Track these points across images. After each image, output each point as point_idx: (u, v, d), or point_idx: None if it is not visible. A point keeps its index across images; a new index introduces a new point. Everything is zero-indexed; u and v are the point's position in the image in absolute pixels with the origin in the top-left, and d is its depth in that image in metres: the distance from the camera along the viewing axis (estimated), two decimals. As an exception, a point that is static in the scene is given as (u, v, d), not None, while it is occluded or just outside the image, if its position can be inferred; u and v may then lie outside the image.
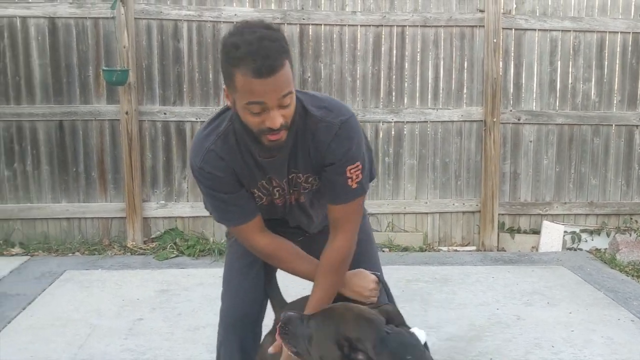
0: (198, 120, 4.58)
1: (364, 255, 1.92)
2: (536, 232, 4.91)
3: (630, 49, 4.83)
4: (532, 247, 4.85)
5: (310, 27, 4.62)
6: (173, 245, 4.53)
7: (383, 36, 4.68)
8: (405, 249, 4.72)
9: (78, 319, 3.30)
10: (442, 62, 4.74)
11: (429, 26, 4.69)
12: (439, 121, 4.78)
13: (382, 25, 4.66)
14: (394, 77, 4.72)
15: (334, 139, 1.66)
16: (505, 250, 4.82)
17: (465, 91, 4.78)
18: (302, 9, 4.59)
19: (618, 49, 4.84)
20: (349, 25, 4.64)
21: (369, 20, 4.63)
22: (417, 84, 4.74)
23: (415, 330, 1.54)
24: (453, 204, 4.87)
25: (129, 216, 4.56)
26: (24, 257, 4.33)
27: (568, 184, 4.93)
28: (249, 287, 1.98)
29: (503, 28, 4.71)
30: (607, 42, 4.81)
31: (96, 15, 4.39)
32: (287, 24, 4.57)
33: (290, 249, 1.82)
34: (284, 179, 1.75)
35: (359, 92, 4.72)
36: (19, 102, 4.46)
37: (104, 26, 4.42)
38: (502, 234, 4.89)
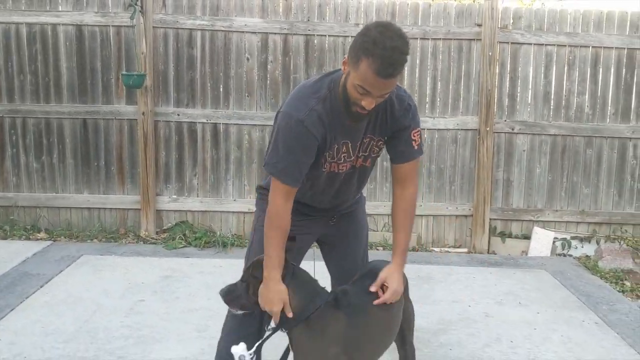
0: (209, 121, 4.95)
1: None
2: (527, 237, 5.13)
3: (625, 64, 5.00)
4: (522, 252, 5.07)
5: (316, 37, 4.94)
6: (182, 236, 4.91)
7: (384, 47, 4.95)
8: (399, 249, 4.98)
9: (87, 297, 3.70)
10: (439, 74, 5.00)
11: (428, 39, 4.95)
12: (435, 129, 5.04)
13: (383, 37, 4.93)
14: (393, 86, 4.99)
15: (406, 109, 2.08)
16: (495, 254, 5.05)
17: (461, 101, 5.03)
18: (308, 20, 4.91)
19: (613, 64, 5.01)
20: (351, 36, 4.92)
21: (371, 32, 4.91)
22: (416, 93, 5.00)
23: None
24: (447, 208, 5.12)
25: (143, 208, 4.96)
26: (48, 242, 4.77)
27: (560, 192, 5.13)
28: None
29: (500, 42, 4.94)
30: (601, 57, 4.99)
31: (119, 24, 4.81)
32: (294, 34, 4.90)
33: (285, 226, 2.04)
34: (357, 142, 2.08)
35: (359, 99, 5.00)
36: (48, 101, 4.91)
37: (125, 34, 4.83)
38: (493, 238, 5.13)
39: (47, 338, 3.15)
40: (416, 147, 2.13)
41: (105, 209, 5.05)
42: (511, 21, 4.96)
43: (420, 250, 5.07)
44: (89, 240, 4.88)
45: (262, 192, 2.30)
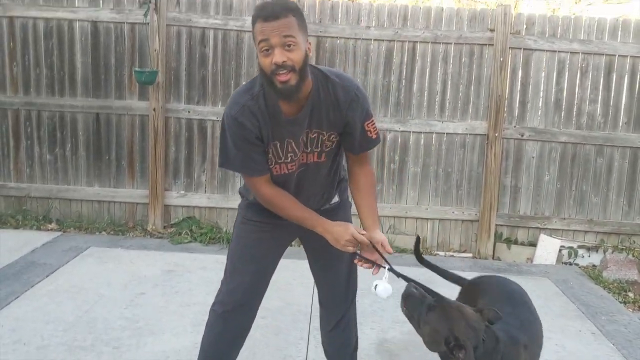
0: (219, 119, 5.00)
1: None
2: (533, 244, 5.09)
3: (639, 72, 4.93)
4: (527, 259, 5.04)
5: (327, 39, 4.97)
6: (188, 232, 4.98)
7: (395, 50, 4.97)
8: (403, 251, 5.00)
9: (90, 288, 3.79)
10: (450, 77, 4.99)
11: (440, 43, 4.95)
12: (443, 133, 5.04)
13: (394, 40, 4.95)
14: (403, 89, 5.01)
15: (353, 100, 2.06)
16: (500, 260, 5.03)
17: (470, 106, 5.01)
18: (320, 22, 4.94)
19: (627, 73, 4.95)
20: (362, 39, 4.95)
21: (382, 35, 4.93)
22: (425, 96, 5.01)
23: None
24: (453, 212, 5.11)
25: (151, 202, 5.05)
26: (58, 233, 4.88)
27: (568, 200, 5.09)
28: (258, 278, 2.29)
29: (512, 48, 4.91)
30: (615, 65, 4.93)
31: (133, 21, 4.89)
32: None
33: (289, 198, 2.12)
34: (300, 138, 2.05)
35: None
36: (62, 95, 5.02)
37: (139, 31, 4.91)
38: (499, 244, 5.10)
39: (47, 326, 3.24)
40: (374, 137, 2.16)
41: (114, 202, 5.14)
42: (524, 27, 4.93)
43: (425, 253, 5.06)
44: (97, 233, 4.98)
45: (242, 194, 2.37)
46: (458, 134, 5.03)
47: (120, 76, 4.99)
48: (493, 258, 5.05)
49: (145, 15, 4.64)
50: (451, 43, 4.95)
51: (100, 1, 4.91)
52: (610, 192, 5.06)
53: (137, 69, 4.74)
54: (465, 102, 5.02)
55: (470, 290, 2.57)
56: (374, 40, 4.97)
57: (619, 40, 4.91)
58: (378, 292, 2.06)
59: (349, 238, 2.07)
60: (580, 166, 5.04)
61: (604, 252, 4.98)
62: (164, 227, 5.10)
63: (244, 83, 4.87)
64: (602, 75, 4.95)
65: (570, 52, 4.93)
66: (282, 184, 2.15)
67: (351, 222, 2.38)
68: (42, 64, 4.98)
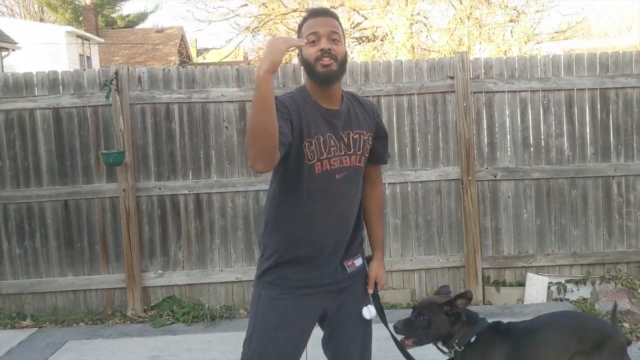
0: (191, 192, 4.94)
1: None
2: (521, 284, 5.04)
3: (599, 103, 5.04)
4: (518, 300, 4.98)
5: (292, 101, 4.98)
6: (170, 312, 4.80)
7: (360, 106, 5.01)
8: (393, 306, 4.89)
9: (71, 386, 3.58)
10: (417, 127, 5.03)
11: (403, 94, 5.01)
12: (418, 181, 5.03)
13: (358, 96, 4.99)
14: (372, 143, 5.01)
15: (378, 115, 2.29)
16: (491, 304, 4.95)
17: (441, 152, 5.04)
18: (284, 86, 4.97)
19: (587, 105, 5.06)
20: (327, 97, 4.98)
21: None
22: (396, 148, 5.02)
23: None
24: (438, 260, 5.05)
25: (129, 286, 4.88)
26: (33, 329, 4.66)
27: (550, 235, 5.08)
28: (297, 344, 2.20)
29: (473, 92, 5.00)
30: (575, 98, 5.04)
31: (95, 104, 4.85)
32: (270, 100, 4.94)
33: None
34: (341, 134, 2.10)
35: (340, 158, 5.02)
36: (28, 185, 4.89)
37: (102, 113, 4.87)
38: (487, 288, 5.04)
39: None
40: (387, 151, 2.36)
41: (90, 290, 4.95)
42: (483, 71, 5.03)
43: (415, 306, 4.95)
44: (75, 325, 4.76)
45: (258, 284, 2.22)
46: (432, 180, 5.03)
47: (86, 160, 4.91)
48: (484, 303, 4.97)
49: (107, 97, 4.61)
50: (414, 94, 5.02)
51: (61, 87, 4.87)
52: (589, 222, 5.08)
53: (104, 151, 4.67)
54: (435, 149, 5.05)
55: None
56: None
57: (574, 74, 5.04)
58: (363, 312, 2.28)
59: (283, 43, 1.84)
60: (557, 200, 5.06)
61: (592, 284, 4.95)
62: (144, 311, 4.91)
63: (213, 154, 4.85)
64: (564, 109, 5.05)
65: (531, 91, 5.03)
66: (323, 192, 2.11)
67: (370, 299, 2.35)
68: (4, 156, 4.87)
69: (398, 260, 5.04)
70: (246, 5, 19.61)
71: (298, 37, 2.11)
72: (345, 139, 2.12)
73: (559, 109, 5.05)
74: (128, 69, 4.88)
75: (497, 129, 5.05)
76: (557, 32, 17.34)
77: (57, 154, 4.89)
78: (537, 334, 2.56)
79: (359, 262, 2.29)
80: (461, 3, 14.97)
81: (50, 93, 4.86)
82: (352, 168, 2.15)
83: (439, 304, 2.49)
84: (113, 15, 32.18)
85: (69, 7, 29.06)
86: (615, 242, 5.08)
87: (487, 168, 5.03)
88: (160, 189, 4.93)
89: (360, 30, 18.64)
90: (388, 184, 5.02)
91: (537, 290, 4.95)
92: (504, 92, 5.03)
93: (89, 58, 23.09)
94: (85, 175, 4.92)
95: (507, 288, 5.02)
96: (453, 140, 5.02)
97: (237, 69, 5.03)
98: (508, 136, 5.05)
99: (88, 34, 23.44)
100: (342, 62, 2.05)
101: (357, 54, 19.00)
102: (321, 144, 2.07)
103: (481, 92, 5.02)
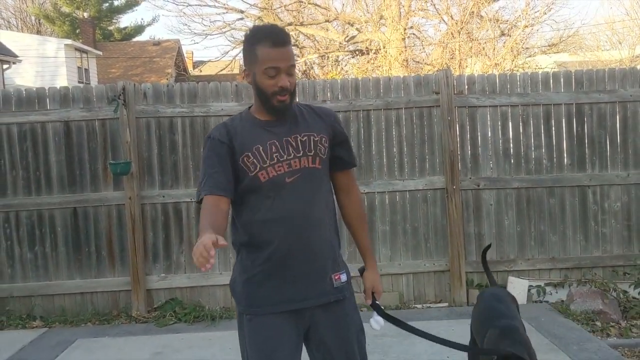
0: (192, 200, 5.25)
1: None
2: (503, 287, 5.35)
3: (575, 117, 5.39)
4: (500, 301, 5.28)
5: (288, 115, 5.31)
6: (172, 313, 5.09)
7: (351, 119, 5.34)
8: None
9: (82, 378, 3.87)
10: (404, 139, 5.37)
11: (391, 109, 5.35)
12: (405, 190, 5.36)
13: (349, 110, 5.33)
14: (363, 153, 5.35)
15: (336, 119, 2.29)
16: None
17: (427, 163, 5.38)
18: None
19: (564, 119, 5.41)
20: (320, 111, 5.32)
21: (338, 107, 5.29)
22: (384, 158, 5.36)
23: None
24: (424, 265, 5.37)
25: (134, 289, 5.17)
26: (43, 329, 4.94)
27: (530, 241, 5.41)
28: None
29: (457, 106, 5.34)
30: (552, 112, 5.39)
31: (103, 117, 5.18)
32: (267, 114, 5.28)
33: (215, 212, 2.02)
34: (287, 139, 2.11)
35: (332, 169, 5.34)
36: (39, 194, 5.20)
37: (110, 125, 5.19)
38: (472, 290, 5.35)
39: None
40: (353, 155, 2.34)
41: (97, 292, 5.25)
42: (466, 87, 5.38)
43: (403, 308, 5.27)
44: (82, 325, 5.05)
45: (239, 306, 2.21)
46: (419, 190, 5.36)
47: (94, 170, 5.22)
48: (468, 304, 5.28)
49: (115, 111, 4.94)
50: (401, 108, 5.36)
51: (71, 101, 5.19)
52: (567, 229, 5.40)
53: (111, 161, 4.99)
54: (421, 159, 5.38)
55: None
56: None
57: (552, 90, 5.39)
58: (372, 324, 2.27)
59: (199, 250, 1.78)
60: (536, 208, 5.39)
61: (569, 286, 5.27)
62: (148, 312, 5.21)
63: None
64: (542, 123, 5.39)
65: (511, 105, 5.38)
66: (279, 199, 2.09)
67: (359, 316, 2.28)
68: (17, 166, 5.19)
69: (387, 265, 5.34)
70: (242, 19, 20.05)
71: (248, 55, 2.10)
72: (293, 143, 2.13)
73: (537, 122, 5.39)
74: (134, 85, 5.22)
75: (479, 141, 5.39)
76: (549, 46, 17.81)
77: (67, 164, 5.21)
78: None
79: (344, 277, 2.21)
80: (452, 18, 15.39)
81: (61, 107, 5.19)
82: (306, 170, 2.13)
83: None
84: (110, 28, 32.57)
85: (66, 19, 29.44)
86: (591, 248, 5.41)
87: (470, 178, 5.36)
88: (164, 197, 5.25)
89: (354, 43, 19.07)
90: (377, 192, 5.35)
91: (517, 292, 5.25)
92: (486, 106, 5.38)
93: (87, 70, 23.43)
94: (93, 184, 5.23)
95: (490, 290, 5.33)
96: (438, 151, 5.36)
97: (236, 85, 5.37)
98: (490, 148, 5.39)
99: (86, 47, 23.79)
100: (294, 91, 2.12)
101: (350, 67, 19.43)
102: (261, 152, 2.10)
103: (464, 106, 5.37)
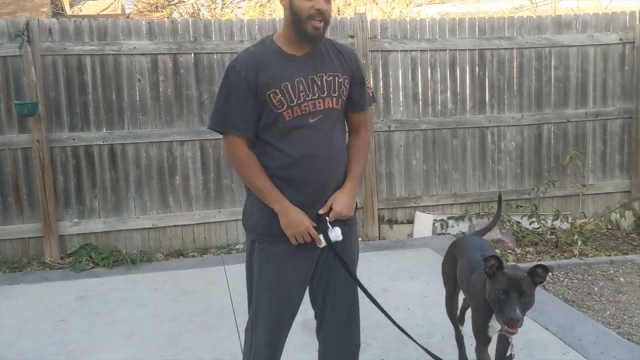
0: (105, 143, 5.08)
1: None
2: (411, 222, 5.75)
3: (477, 63, 5.76)
4: (408, 235, 5.68)
5: (205, 55, 5.23)
6: (89, 258, 4.98)
7: (268, 61, 5.35)
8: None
9: (7, 324, 3.74)
10: (320, 82, 5.47)
11: (307, 51, 5.41)
12: (322, 132, 5.50)
13: (266, 52, 5.33)
14: (280, 96, 5.40)
15: (355, 58, 2.24)
16: (385, 239, 5.62)
17: (342, 105, 5.54)
18: (195, 40, 5.20)
19: (467, 64, 5.76)
20: (238, 52, 5.26)
21: (255, 48, 5.29)
22: (301, 101, 5.44)
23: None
24: (339, 203, 5.60)
25: (46, 235, 4.98)
26: (-53, 280, 4.66)
27: (434, 179, 5.80)
28: (298, 290, 2.24)
29: (371, 51, 5.51)
30: (457, 58, 5.72)
31: (4, 54, 4.81)
32: (183, 53, 5.17)
33: (260, 167, 2.11)
34: (313, 77, 2.08)
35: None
36: None
37: (12, 64, 4.84)
38: (383, 226, 5.69)
39: (-27, 367, 3.21)
40: (371, 95, 2.32)
41: (5, 240, 5.00)
42: (379, 32, 5.56)
43: (320, 244, 5.50)
44: (-9, 273, 4.82)
45: (251, 235, 2.25)
46: (335, 132, 5.53)
47: (-5, 111, 4.88)
48: (379, 238, 5.63)
49: (20, 47, 4.61)
50: (318, 51, 5.44)
51: (-35, 37, 4.78)
52: (467, 167, 5.85)
53: (16, 101, 4.68)
54: (337, 102, 5.53)
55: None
56: (248, 53, 5.31)
57: (457, 36, 5.71)
58: (330, 235, 2.15)
59: (302, 230, 2.07)
60: (440, 148, 5.77)
61: (470, 219, 5.75)
62: (62, 258, 5.05)
63: (126, 106, 4.98)
64: (448, 68, 5.72)
65: (420, 51, 5.64)
66: (301, 137, 2.09)
67: (358, 248, 2.37)
68: None
69: (304, 204, 5.52)
70: (129, -46, 18.80)
71: None
72: (319, 82, 2.10)
73: (444, 67, 5.71)
74: (39, 20, 4.88)
75: (391, 85, 5.63)
76: (433, -4, 18.40)
77: (-36, 104, 4.83)
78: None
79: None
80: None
81: (-47, 42, 4.76)
82: (328, 110, 2.12)
83: (530, 278, 2.29)
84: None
85: None
86: (488, 184, 5.90)
87: (382, 120, 5.61)
88: (74, 139, 5.03)
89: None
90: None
91: (424, 226, 5.67)
92: (398, 51, 5.60)
93: (-49, 5, 21.08)
94: (-6, 127, 4.90)
95: (399, 225, 5.71)
96: (353, 94, 5.52)
97: (149, 23, 5.18)
98: (401, 92, 5.65)
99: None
100: (329, 21, 2.07)
101: (241, 11, 18.95)
102: (289, 90, 2.05)
103: (378, 51, 5.55)
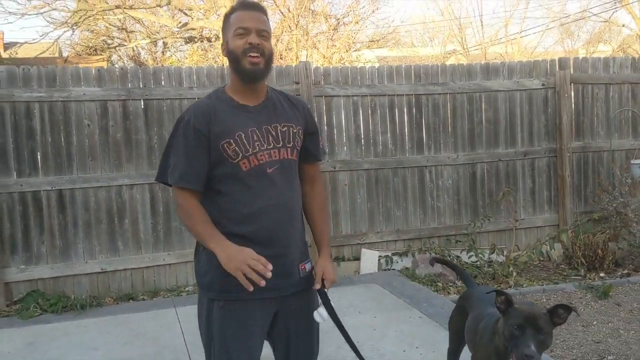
0: (53, 188, 5.09)
1: None
2: (357, 258, 5.96)
3: (414, 106, 6.13)
4: (355, 271, 5.89)
5: (154, 101, 5.37)
6: (36, 305, 4.91)
7: (216, 106, 5.54)
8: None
9: (-47, 375, 3.68)
10: (267, 125, 5.69)
11: (254, 96, 5.63)
12: (269, 174, 5.69)
13: (214, 97, 5.52)
14: (228, 139, 5.58)
15: (307, 108, 2.25)
16: (333, 277, 5.78)
17: (289, 148, 5.76)
18: (144, 86, 5.34)
19: (405, 107, 6.12)
20: (187, 98, 5.45)
21: (204, 94, 5.45)
22: (249, 144, 5.63)
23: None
24: (288, 243, 5.76)
25: (-9, 282, 4.90)
26: None
27: (378, 216, 6.07)
28: (260, 344, 2.15)
29: (315, 96, 5.79)
30: (395, 102, 6.08)
31: (-51, 101, 4.81)
32: (132, 99, 5.29)
33: (203, 213, 2.05)
34: (264, 127, 2.06)
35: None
36: None
37: (-43, 110, 4.83)
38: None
39: None
40: (323, 147, 2.32)
41: (-54, 289, 4.89)
42: (322, 78, 5.86)
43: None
44: None
45: (207, 293, 2.13)
46: (282, 173, 5.72)
47: (-61, 158, 4.83)
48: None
49: (-33, 94, 4.61)
50: (264, 96, 5.67)
51: None
52: (409, 205, 6.15)
53: (-38, 148, 4.66)
54: (283, 145, 5.74)
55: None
56: (198, 98, 5.48)
57: (395, 82, 6.08)
58: (315, 317, 2.16)
59: (245, 257, 1.92)
60: (383, 187, 6.06)
61: (412, 255, 6.02)
62: (7, 305, 4.97)
63: (75, 151, 5.02)
64: (387, 111, 6.06)
65: (361, 96, 5.97)
66: (259, 188, 2.05)
67: (318, 300, 2.26)
68: None
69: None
70: (62, -2, 18.68)
71: (224, 28, 2.08)
72: (273, 132, 2.08)
73: (384, 110, 6.05)
74: (-14, 66, 4.91)
75: (335, 128, 5.91)
76: (371, 41, 19.19)
77: None
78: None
79: (309, 266, 2.22)
80: (289, 11, 15.96)
81: None
82: (284, 161, 2.10)
83: (549, 317, 2.18)
84: None
85: None
86: (428, 220, 6.22)
87: (328, 161, 5.86)
88: (21, 185, 5.02)
89: (187, 30, 18.82)
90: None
91: (370, 262, 5.90)
92: (340, 96, 5.90)
93: None
94: (-62, 173, 4.84)
95: (346, 262, 5.91)
96: (298, 137, 5.76)
97: (98, 70, 5.28)
98: (344, 134, 5.94)
99: None
100: (269, 59, 2.03)
101: (183, 55, 19.09)
102: (243, 140, 2.02)
103: (321, 96, 5.84)
